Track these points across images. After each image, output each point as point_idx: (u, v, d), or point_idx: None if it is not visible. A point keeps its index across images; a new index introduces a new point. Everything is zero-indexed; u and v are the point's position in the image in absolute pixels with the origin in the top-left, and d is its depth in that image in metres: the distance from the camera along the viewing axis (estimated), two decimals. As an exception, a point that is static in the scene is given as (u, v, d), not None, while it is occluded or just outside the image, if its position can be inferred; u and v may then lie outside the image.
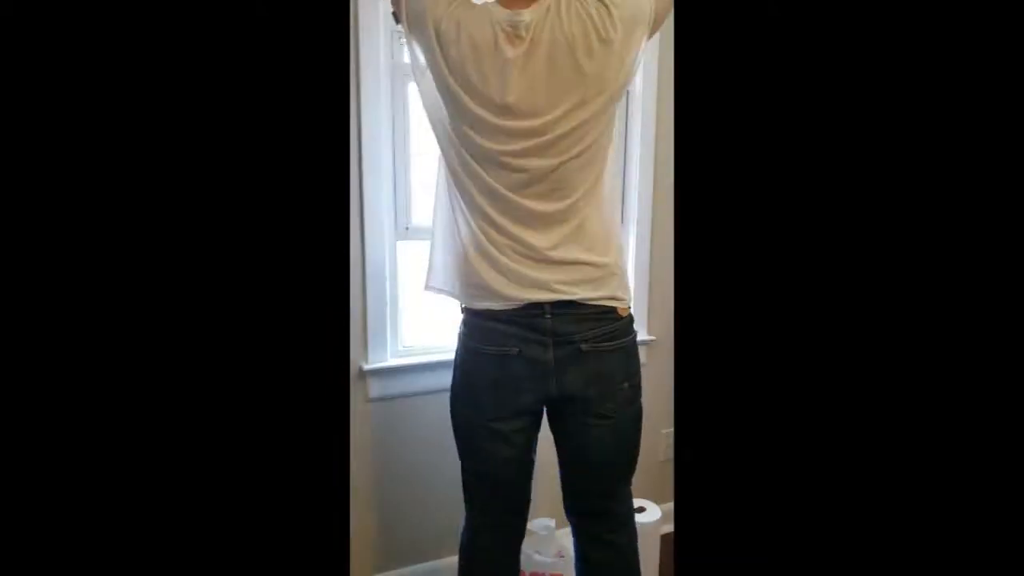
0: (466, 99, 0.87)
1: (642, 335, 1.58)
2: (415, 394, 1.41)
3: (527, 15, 0.85)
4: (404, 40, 0.94)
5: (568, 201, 0.91)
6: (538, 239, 0.91)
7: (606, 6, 0.85)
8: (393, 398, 1.38)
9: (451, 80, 0.87)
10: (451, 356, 1.42)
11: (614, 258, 0.95)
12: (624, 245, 1.21)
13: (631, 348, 0.97)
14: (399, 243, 1.39)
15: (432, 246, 1.01)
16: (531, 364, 0.92)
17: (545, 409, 1.01)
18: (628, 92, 1.56)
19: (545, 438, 1.57)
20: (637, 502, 1.25)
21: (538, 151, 0.88)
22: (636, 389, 0.98)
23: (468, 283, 0.95)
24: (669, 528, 1.64)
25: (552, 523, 1.42)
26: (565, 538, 1.41)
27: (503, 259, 0.91)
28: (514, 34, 0.85)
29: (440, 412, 1.44)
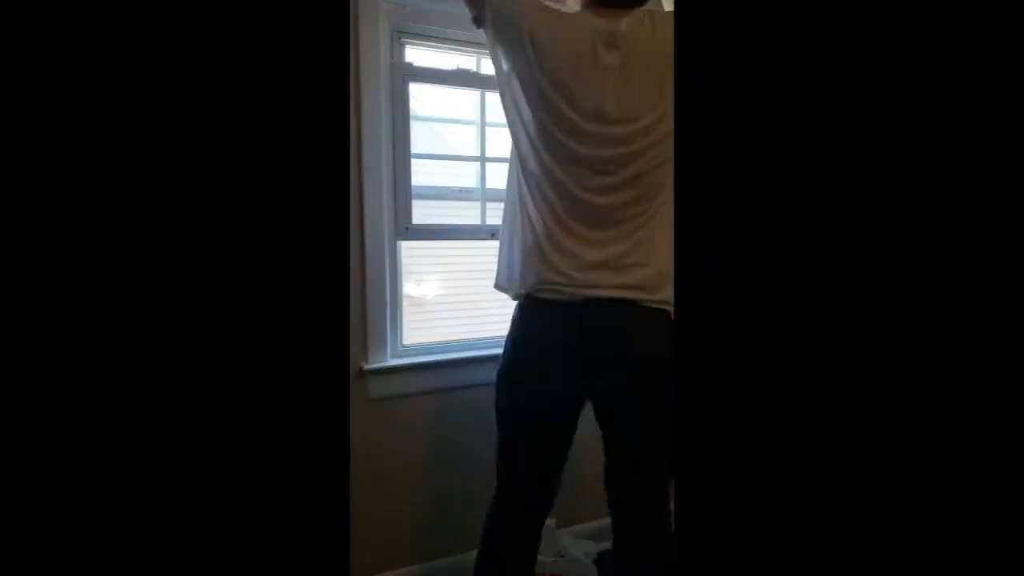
0: (562, 105, 0.90)
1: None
2: (415, 394, 1.41)
3: (624, 25, 0.89)
4: (490, 51, 0.99)
5: (646, 206, 0.95)
6: (609, 242, 0.94)
7: None
8: (393, 398, 1.38)
9: (546, 86, 0.90)
10: (451, 356, 1.43)
11: (671, 265, 0.99)
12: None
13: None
14: (399, 243, 1.39)
15: (501, 246, 1.05)
16: (583, 358, 0.96)
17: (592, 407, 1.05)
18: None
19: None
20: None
21: (629, 158, 0.92)
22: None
23: (538, 280, 0.97)
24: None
25: (552, 523, 1.42)
26: (565, 538, 1.41)
27: (570, 259, 0.94)
28: (611, 43, 0.89)
29: (440, 412, 1.44)
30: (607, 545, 1.54)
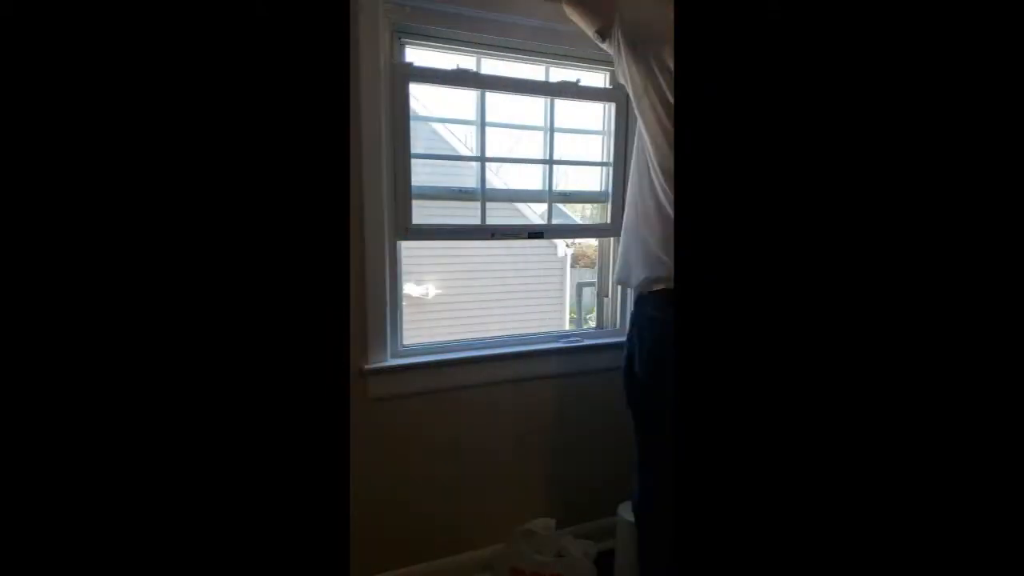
0: None
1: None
2: (415, 394, 1.41)
3: None
4: (617, 67, 1.12)
5: None
6: None
7: None
8: (393, 398, 1.38)
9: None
10: (450, 356, 1.43)
11: None
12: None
13: None
14: (399, 243, 1.39)
15: (630, 245, 1.16)
16: None
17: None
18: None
19: (543, 441, 1.58)
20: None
21: None
22: None
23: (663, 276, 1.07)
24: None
25: (552, 523, 1.42)
26: (565, 538, 1.41)
27: None
28: None
29: (440, 412, 1.44)
30: (607, 545, 1.54)
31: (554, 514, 1.51)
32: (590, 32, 1.16)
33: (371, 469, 1.37)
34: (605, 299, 1.71)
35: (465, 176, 1.55)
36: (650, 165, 1.09)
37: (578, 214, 2.67)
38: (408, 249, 1.46)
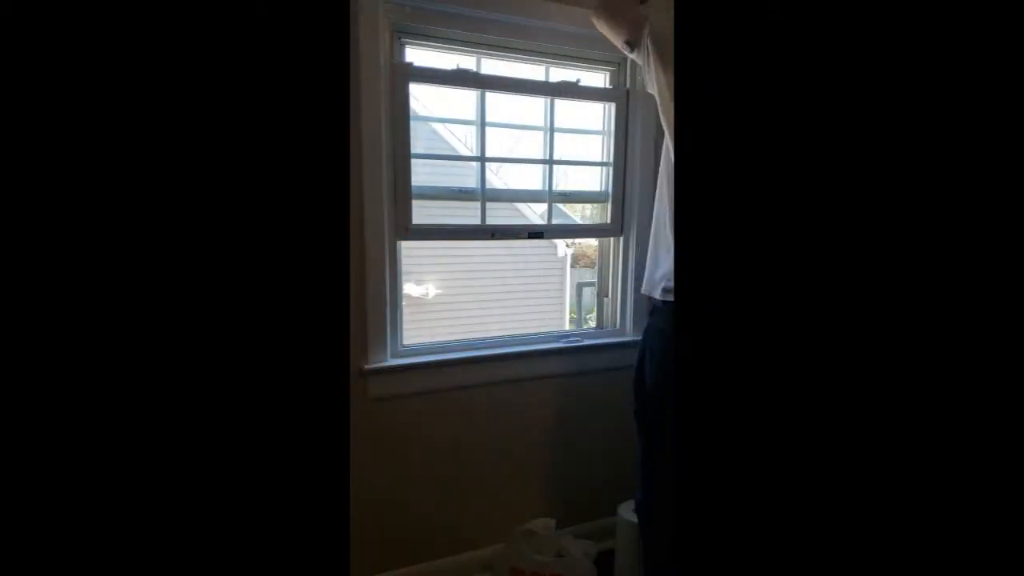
0: None
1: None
2: (415, 394, 1.41)
3: None
4: (645, 76, 1.12)
5: None
6: None
7: None
8: (393, 398, 1.38)
9: None
10: (450, 356, 1.43)
11: None
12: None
13: None
14: (399, 243, 1.39)
15: (660, 253, 1.14)
16: None
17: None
18: (628, 91, 1.56)
19: (543, 441, 1.58)
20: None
21: None
22: None
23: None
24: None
25: (552, 523, 1.42)
26: (565, 538, 1.41)
27: None
28: None
29: (440, 412, 1.44)
30: (607, 545, 1.54)
31: (554, 514, 1.51)
32: (618, 42, 1.15)
33: (371, 469, 1.37)
34: (605, 299, 1.71)
35: (465, 176, 1.55)
36: (663, 181, 1.10)
37: (578, 214, 2.67)
38: (408, 249, 1.45)
